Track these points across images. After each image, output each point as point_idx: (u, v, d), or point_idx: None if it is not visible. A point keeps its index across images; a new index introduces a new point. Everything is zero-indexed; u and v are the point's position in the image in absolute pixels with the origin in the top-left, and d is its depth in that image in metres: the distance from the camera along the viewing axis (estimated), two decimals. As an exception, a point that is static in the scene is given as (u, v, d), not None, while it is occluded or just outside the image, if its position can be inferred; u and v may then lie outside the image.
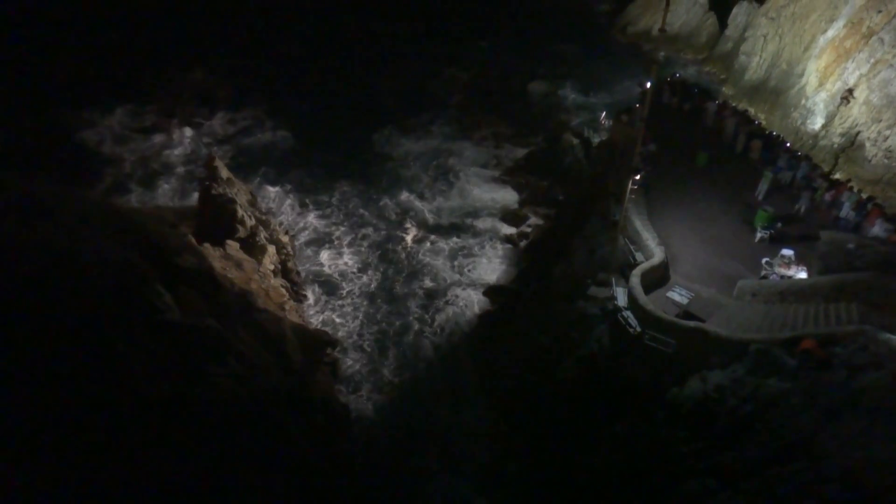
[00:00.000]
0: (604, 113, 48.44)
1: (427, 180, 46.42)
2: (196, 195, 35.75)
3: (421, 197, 44.78)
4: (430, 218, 42.68)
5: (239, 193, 33.14)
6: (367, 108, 54.54)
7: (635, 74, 54.93)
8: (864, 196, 28.48)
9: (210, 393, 18.90)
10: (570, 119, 53.11)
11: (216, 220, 31.33)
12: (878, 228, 25.51)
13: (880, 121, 35.05)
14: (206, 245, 28.00)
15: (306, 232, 40.97)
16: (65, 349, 15.39)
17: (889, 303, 20.26)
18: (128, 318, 17.41)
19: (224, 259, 28.38)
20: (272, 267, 32.58)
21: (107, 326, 16.64)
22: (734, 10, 56.43)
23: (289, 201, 43.44)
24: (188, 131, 49.81)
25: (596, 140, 46.25)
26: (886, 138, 34.50)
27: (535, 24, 67.57)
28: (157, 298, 18.88)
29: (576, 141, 46.36)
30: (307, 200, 43.65)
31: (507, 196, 44.36)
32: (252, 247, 31.68)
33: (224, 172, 33.08)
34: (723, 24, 58.35)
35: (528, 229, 41.01)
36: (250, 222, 32.19)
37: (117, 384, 16.25)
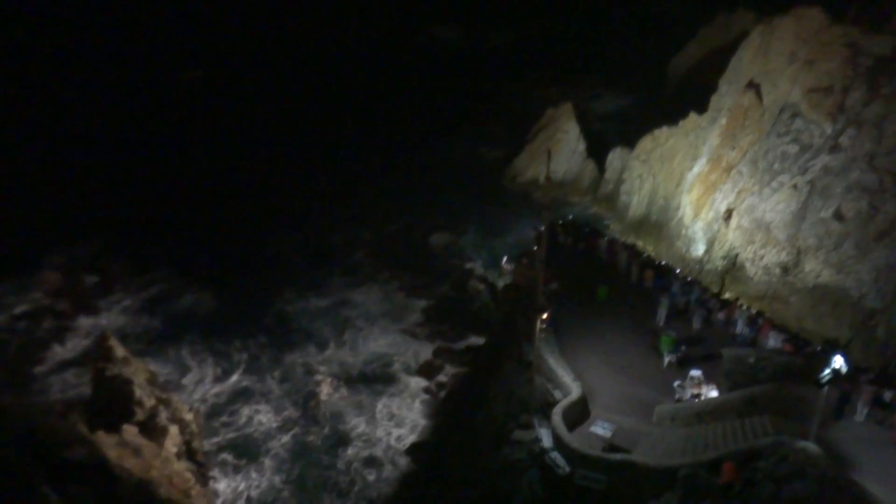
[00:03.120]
0: (505, 258, 50.11)
1: (336, 335, 45.76)
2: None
3: (332, 351, 43.97)
4: (343, 372, 41.74)
5: (136, 373, 31.19)
6: (271, 265, 54.22)
7: (530, 219, 57.83)
8: (754, 311, 30.26)
9: None
10: (473, 266, 54.58)
11: (111, 404, 29.12)
12: (772, 340, 26.93)
13: (754, 242, 38.11)
14: (100, 433, 25.70)
15: (214, 397, 39.09)
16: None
17: (798, 410, 20.91)
18: (4, 529, 15.30)
19: (120, 447, 26.03)
20: (175, 449, 30.11)
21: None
22: (609, 156, 61.60)
23: (195, 369, 41.54)
24: (81, 310, 47.28)
25: (500, 284, 47.46)
26: (762, 257, 37.37)
27: (429, 176, 70.90)
28: (40, 500, 16.81)
29: (481, 286, 47.43)
30: (215, 365, 41.93)
31: (420, 346, 44.05)
32: (152, 429, 29.35)
33: (119, 351, 31.25)
34: (602, 168, 63.37)
35: (445, 379, 40.48)
36: (149, 403, 30.08)
37: None
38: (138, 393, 29.70)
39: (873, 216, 32.28)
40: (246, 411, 37.99)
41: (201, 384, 40.46)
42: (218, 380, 40.87)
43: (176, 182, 67.77)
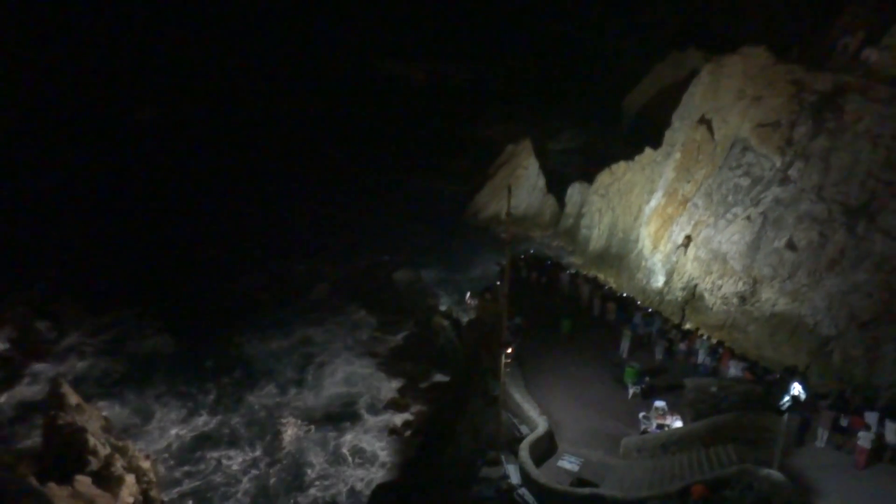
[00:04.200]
0: (468, 293, 50.23)
1: (300, 374, 44.98)
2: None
3: (296, 390, 43.19)
4: (307, 412, 40.96)
5: (90, 420, 30.13)
6: (233, 304, 53.26)
7: (492, 254, 58.22)
8: (715, 341, 30.74)
9: None
10: (437, 302, 54.46)
11: (64, 453, 27.99)
12: (733, 369, 27.32)
13: (711, 272, 38.91)
14: (51, 485, 24.61)
15: (178, 441, 38.02)
16: None
17: (761, 438, 21.17)
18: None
19: (73, 498, 24.97)
20: (131, 499, 28.97)
21: None
22: (569, 191, 62.71)
23: (158, 414, 40.36)
24: (33, 357, 45.48)
25: (465, 320, 47.43)
26: (720, 287, 38.14)
27: (392, 212, 71.00)
28: (-15, 560, 15.94)
29: (446, 322, 47.28)
30: (179, 408, 40.88)
31: (385, 384, 43.55)
32: (107, 479, 28.22)
33: (73, 398, 30.21)
34: (562, 202, 64.39)
35: (411, 417, 40.00)
36: (104, 451, 28.98)
37: None
38: (92, 441, 28.62)
39: (824, 245, 33.31)
40: (209, 455, 36.93)
41: (165, 429, 39.33)
42: (182, 423, 39.78)
43: (131, 221, 66.55)
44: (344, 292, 55.81)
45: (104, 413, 37.42)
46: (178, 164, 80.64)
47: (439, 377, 43.14)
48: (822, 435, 22.52)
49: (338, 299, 55.06)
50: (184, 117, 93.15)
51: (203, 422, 40.01)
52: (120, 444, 31.68)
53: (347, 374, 45.11)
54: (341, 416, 40.77)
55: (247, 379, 44.31)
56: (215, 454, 37.13)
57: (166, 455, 36.87)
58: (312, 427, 39.67)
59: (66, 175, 74.97)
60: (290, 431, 39.25)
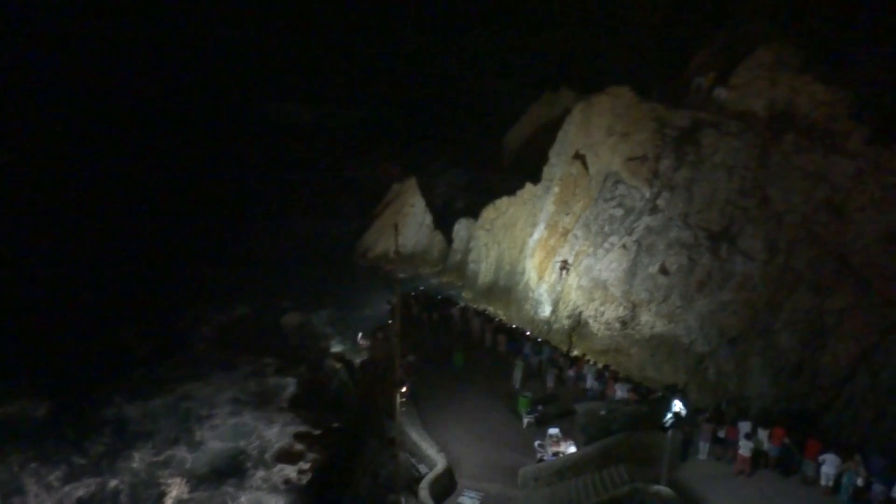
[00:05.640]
0: (360, 333, 49.54)
1: (182, 431, 42.17)
2: None
3: (179, 448, 40.27)
4: (193, 470, 38.31)
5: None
6: (106, 360, 49.55)
7: (383, 292, 57.92)
8: (601, 365, 31.93)
9: None
10: (329, 344, 53.28)
11: None
12: (619, 391, 28.42)
13: (594, 300, 40.56)
14: None
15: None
16: None
17: (648, 456, 22.02)
18: None
19: None
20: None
21: None
22: (455, 227, 63.73)
23: (27, 483, 36.44)
24: None
25: (358, 361, 46.66)
26: (603, 313, 39.78)
27: (278, 254, 69.29)
28: None
29: (338, 365, 46.24)
30: (49, 474, 37.19)
31: (276, 434, 41.66)
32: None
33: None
34: (449, 239, 65.28)
35: (305, 465, 38.50)
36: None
37: None
38: (-58, 525, 25.48)
39: (693, 269, 35.65)
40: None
41: (35, 499, 35.57)
42: (53, 493, 35.97)
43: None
44: (228, 340, 53.49)
45: (-44, 492, 33.58)
46: (38, 210, 75.09)
47: (334, 422, 41.92)
48: (703, 448, 23.76)
49: (222, 348, 52.61)
50: (44, 160, 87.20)
51: (77, 489, 36.37)
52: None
53: (234, 426, 42.81)
54: (229, 471, 38.49)
55: (125, 440, 41.04)
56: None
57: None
58: (200, 486, 37.27)
59: None
60: (175, 493, 36.67)
